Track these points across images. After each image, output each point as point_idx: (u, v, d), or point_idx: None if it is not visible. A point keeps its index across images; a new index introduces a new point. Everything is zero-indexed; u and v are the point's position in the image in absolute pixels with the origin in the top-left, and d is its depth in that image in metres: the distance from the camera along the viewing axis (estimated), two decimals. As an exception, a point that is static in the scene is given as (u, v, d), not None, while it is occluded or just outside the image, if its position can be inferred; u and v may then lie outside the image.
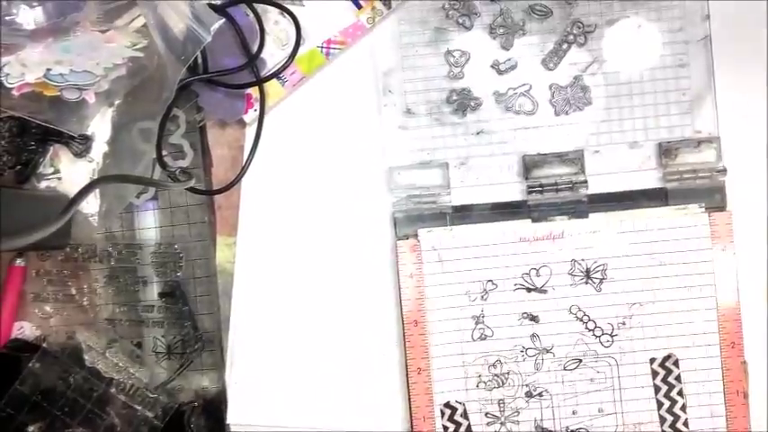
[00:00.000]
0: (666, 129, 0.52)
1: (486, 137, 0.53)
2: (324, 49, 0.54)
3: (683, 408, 0.51)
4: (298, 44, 0.53)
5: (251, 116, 0.54)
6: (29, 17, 0.48)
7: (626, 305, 0.51)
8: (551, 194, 0.51)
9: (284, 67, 0.53)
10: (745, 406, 0.51)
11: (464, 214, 0.52)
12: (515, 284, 0.52)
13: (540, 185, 0.52)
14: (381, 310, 0.53)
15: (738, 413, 0.51)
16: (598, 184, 0.52)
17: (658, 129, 0.52)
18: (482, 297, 0.52)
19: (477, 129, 0.53)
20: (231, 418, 0.54)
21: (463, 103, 0.53)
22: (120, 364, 0.56)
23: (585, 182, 0.51)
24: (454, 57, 0.53)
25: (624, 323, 0.51)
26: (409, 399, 0.52)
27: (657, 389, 0.51)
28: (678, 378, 0.51)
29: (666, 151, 0.51)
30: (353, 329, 0.54)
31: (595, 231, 0.51)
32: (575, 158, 0.52)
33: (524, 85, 0.53)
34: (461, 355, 0.52)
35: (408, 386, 0.52)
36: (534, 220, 0.52)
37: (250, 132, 0.55)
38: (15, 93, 0.48)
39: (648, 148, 0.52)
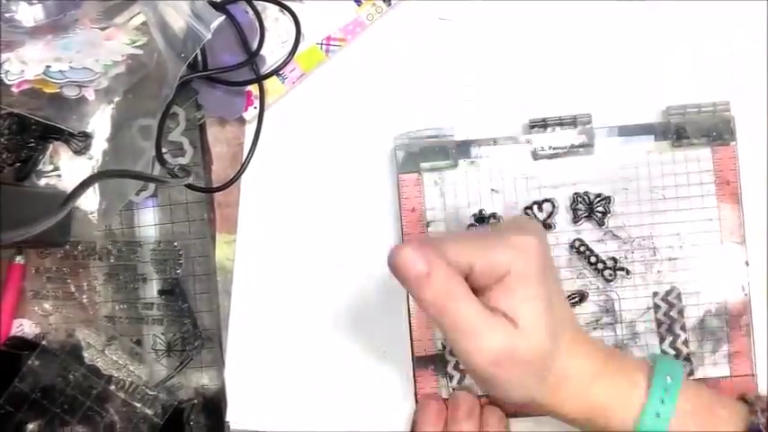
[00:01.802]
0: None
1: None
2: (324, 46, 0.54)
3: (686, 342, 0.51)
4: (297, 41, 0.53)
5: (251, 113, 0.54)
6: (28, 14, 0.49)
7: (629, 239, 0.51)
8: (555, 129, 0.51)
9: (284, 65, 0.53)
10: (747, 338, 0.50)
11: (467, 149, 0.52)
12: (522, 214, 0.52)
13: (543, 120, 0.51)
14: (383, 309, 0.53)
15: (741, 346, 0.50)
16: (602, 118, 0.51)
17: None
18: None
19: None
20: (231, 415, 0.54)
21: None
22: (120, 362, 0.56)
23: (589, 116, 0.51)
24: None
25: (627, 257, 0.51)
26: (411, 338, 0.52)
27: (660, 323, 0.51)
28: (681, 312, 0.51)
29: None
30: (355, 327, 0.54)
31: (599, 165, 0.51)
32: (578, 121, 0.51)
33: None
34: None
35: (410, 323, 0.52)
36: (537, 157, 0.52)
37: (250, 130, 0.55)
38: (15, 90, 0.48)
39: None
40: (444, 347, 0.52)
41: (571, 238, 0.51)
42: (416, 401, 0.52)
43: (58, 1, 0.49)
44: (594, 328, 0.51)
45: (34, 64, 0.48)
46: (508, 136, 0.52)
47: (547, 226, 0.51)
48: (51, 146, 0.55)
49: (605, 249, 0.51)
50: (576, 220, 0.51)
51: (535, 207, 0.52)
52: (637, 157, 0.51)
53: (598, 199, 0.51)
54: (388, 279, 0.52)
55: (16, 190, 0.53)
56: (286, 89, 0.54)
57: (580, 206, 0.51)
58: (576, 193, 0.51)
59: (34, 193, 0.54)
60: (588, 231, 0.51)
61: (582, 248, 0.51)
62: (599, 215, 0.51)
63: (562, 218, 0.52)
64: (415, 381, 0.52)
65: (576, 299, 0.51)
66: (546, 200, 0.52)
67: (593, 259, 0.51)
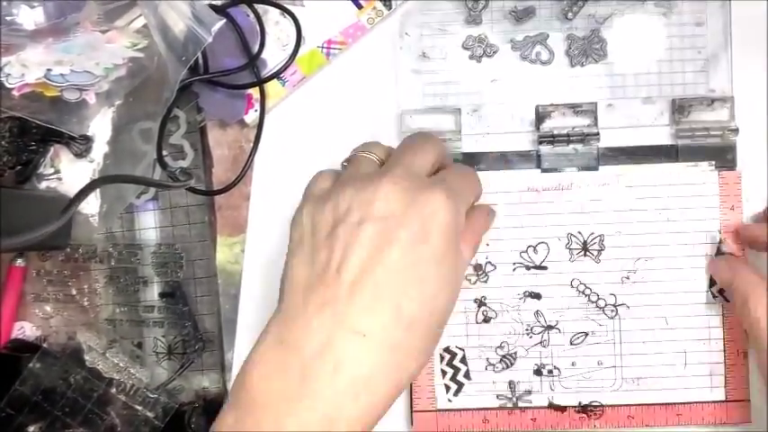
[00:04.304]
0: (681, 86, 0.52)
1: (501, 85, 0.53)
2: (324, 50, 0.54)
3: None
4: (298, 44, 0.53)
5: (251, 116, 0.54)
6: (29, 17, 0.48)
7: (632, 260, 0.51)
8: (562, 146, 0.51)
9: (285, 68, 0.53)
10: (745, 366, 0.50)
11: (474, 161, 0.52)
12: (517, 258, 0.52)
13: (552, 136, 0.51)
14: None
15: (738, 372, 0.50)
16: (610, 138, 0.52)
17: (673, 86, 0.52)
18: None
19: (492, 77, 0.53)
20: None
21: (479, 49, 0.53)
22: (121, 365, 0.56)
23: (597, 134, 0.51)
24: (473, 1, 0.52)
25: (629, 278, 0.51)
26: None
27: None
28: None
29: (680, 108, 0.51)
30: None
31: (604, 184, 0.51)
32: (588, 110, 0.51)
33: (541, 34, 0.52)
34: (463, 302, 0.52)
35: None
36: (544, 171, 0.52)
37: (251, 133, 0.55)
38: (16, 93, 0.48)
39: (662, 104, 0.52)
40: (442, 359, 0.52)
41: (570, 277, 0.52)
42: (411, 412, 0.52)
43: (58, 3, 0.49)
44: (588, 345, 0.51)
45: (35, 67, 0.48)
46: (517, 150, 0.52)
47: (543, 268, 0.52)
48: (52, 149, 0.55)
49: (608, 269, 0.51)
50: (572, 259, 0.52)
51: (530, 250, 0.52)
52: (643, 177, 0.51)
53: (591, 237, 0.51)
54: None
55: (17, 193, 0.53)
56: (287, 92, 0.54)
57: (575, 245, 0.51)
58: (569, 233, 0.51)
59: (35, 196, 0.54)
60: (586, 268, 0.52)
61: (581, 287, 0.51)
62: (594, 253, 0.51)
63: (559, 256, 0.52)
64: (411, 391, 0.52)
65: (582, 338, 0.51)
66: (541, 242, 0.52)
67: (593, 297, 0.51)
